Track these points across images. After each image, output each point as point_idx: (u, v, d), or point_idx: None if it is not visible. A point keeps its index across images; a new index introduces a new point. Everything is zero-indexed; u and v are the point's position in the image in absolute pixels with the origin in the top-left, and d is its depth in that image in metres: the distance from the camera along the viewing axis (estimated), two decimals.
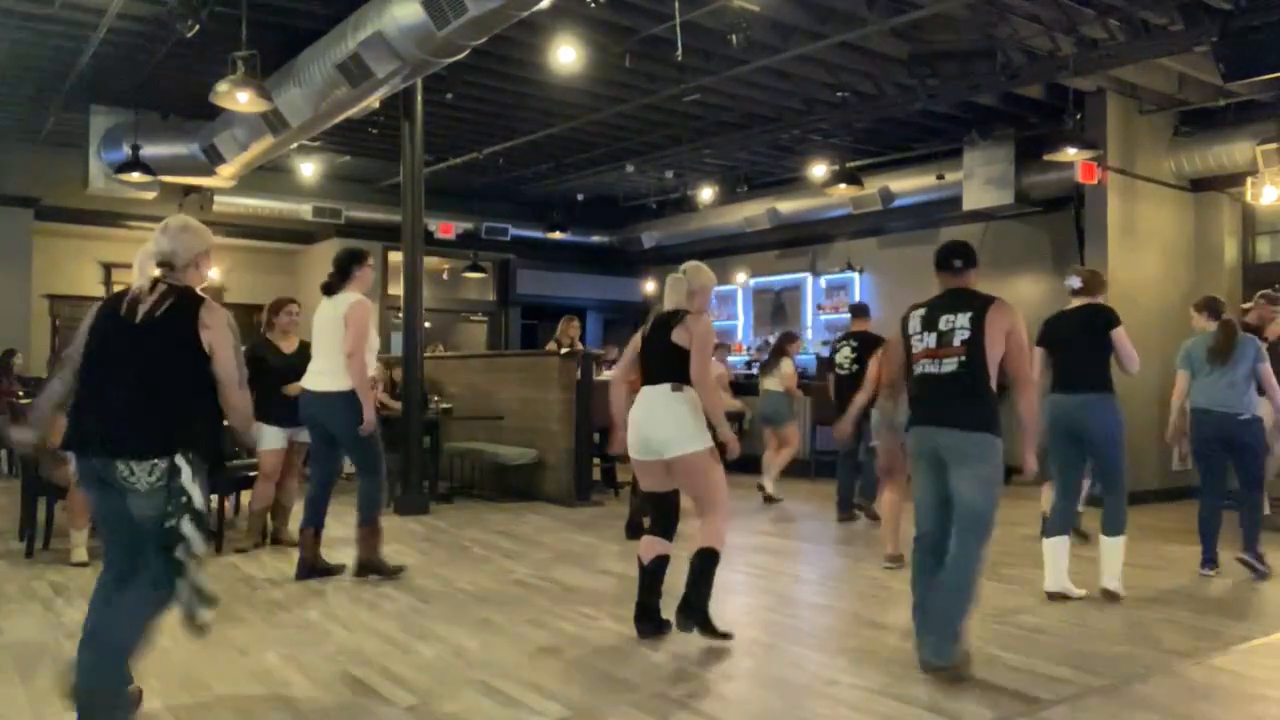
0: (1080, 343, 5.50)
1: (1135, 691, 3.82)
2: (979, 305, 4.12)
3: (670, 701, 3.64)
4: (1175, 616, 5.07)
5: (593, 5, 7.26)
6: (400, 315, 9.89)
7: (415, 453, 8.35)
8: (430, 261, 12.49)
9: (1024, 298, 11.57)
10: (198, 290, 3.45)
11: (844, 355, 8.29)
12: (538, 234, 15.01)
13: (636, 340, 4.77)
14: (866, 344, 7.98)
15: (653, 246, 16.14)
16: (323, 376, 5.64)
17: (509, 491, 9.29)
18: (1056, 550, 5.39)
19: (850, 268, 13.75)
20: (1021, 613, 5.04)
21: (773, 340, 11.03)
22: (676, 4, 7.21)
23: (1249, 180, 9.18)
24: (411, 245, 8.58)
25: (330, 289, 5.75)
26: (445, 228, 13.98)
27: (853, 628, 4.81)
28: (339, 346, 5.54)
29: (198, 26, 6.93)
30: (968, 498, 4.00)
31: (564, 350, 9.32)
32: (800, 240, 14.36)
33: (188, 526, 3.21)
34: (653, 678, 3.96)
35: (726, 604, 5.28)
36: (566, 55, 8.09)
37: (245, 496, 7.08)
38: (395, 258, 13.57)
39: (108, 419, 3.21)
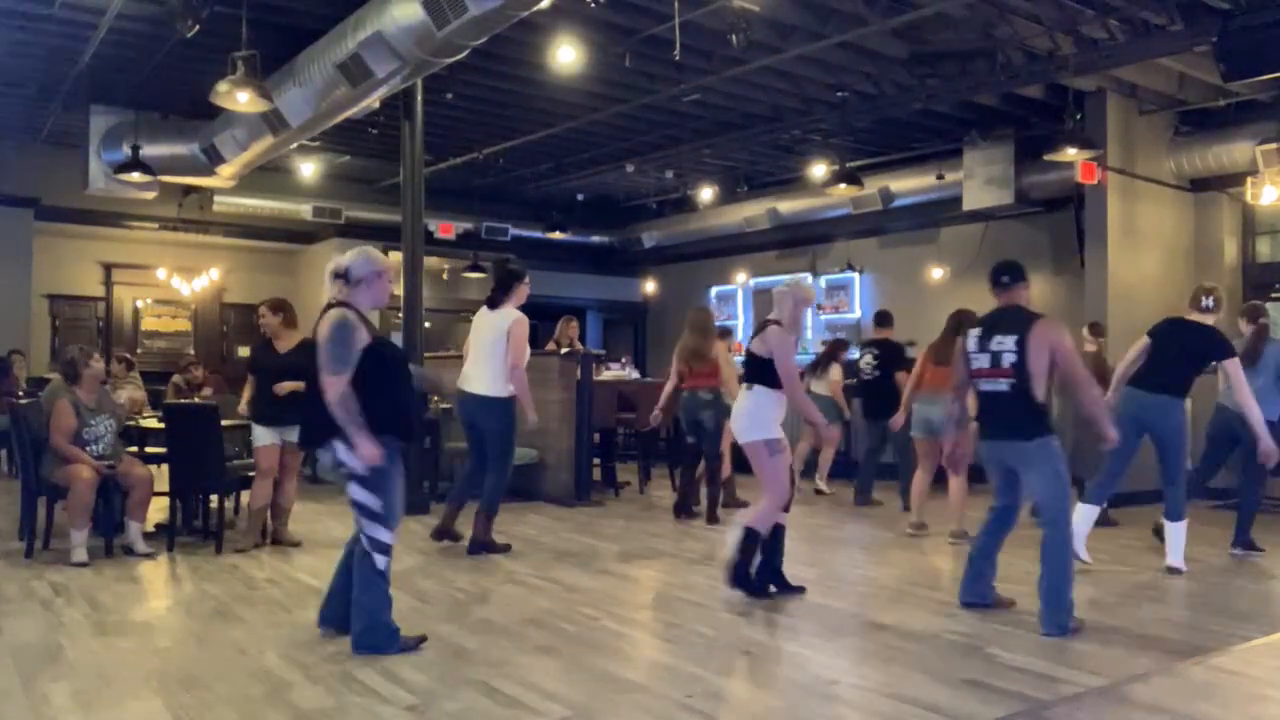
0: (1177, 354, 6.03)
1: (1135, 691, 3.82)
2: (1023, 327, 4.72)
3: (670, 701, 3.64)
4: (1175, 616, 5.07)
5: (593, 5, 7.26)
6: (400, 315, 9.88)
7: (415, 453, 8.35)
8: (430, 261, 12.46)
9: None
10: (357, 305, 4.23)
11: (866, 362, 8.93)
12: (538, 234, 15.01)
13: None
14: (888, 351, 8.79)
15: (653, 246, 16.13)
16: (478, 382, 6.32)
17: (509, 491, 9.23)
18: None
19: (850, 268, 13.74)
20: (1021, 612, 5.03)
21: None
22: (676, 4, 7.21)
23: (1249, 180, 9.18)
24: (411, 245, 8.58)
25: (493, 302, 6.49)
26: (445, 228, 13.97)
27: (853, 627, 4.81)
28: (497, 356, 6.25)
29: (198, 26, 6.92)
30: (1042, 495, 4.77)
31: (564, 350, 9.32)
32: (800, 240, 14.35)
33: (356, 491, 4.15)
34: (653, 678, 3.96)
35: (727, 603, 5.29)
36: (566, 55, 8.09)
37: (245, 497, 7.07)
38: (395, 258, 13.57)
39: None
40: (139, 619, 4.83)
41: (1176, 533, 6.09)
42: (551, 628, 4.67)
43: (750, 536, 5.25)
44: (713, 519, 7.90)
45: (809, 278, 5.79)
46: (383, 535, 4.21)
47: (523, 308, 6.52)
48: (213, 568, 5.97)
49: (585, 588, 5.55)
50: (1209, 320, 6.17)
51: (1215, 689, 3.92)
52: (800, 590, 5.40)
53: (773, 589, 5.34)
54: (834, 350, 9.91)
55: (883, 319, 9.25)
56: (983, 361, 4.82)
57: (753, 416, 5.30)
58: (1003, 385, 4.72)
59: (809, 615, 5.00)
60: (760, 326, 5.46)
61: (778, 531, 5.38)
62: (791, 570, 5.62)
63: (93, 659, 4.12)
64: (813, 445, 9.94)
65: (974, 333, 4.96)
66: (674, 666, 4.13)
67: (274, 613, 4.93)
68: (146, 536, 6.38)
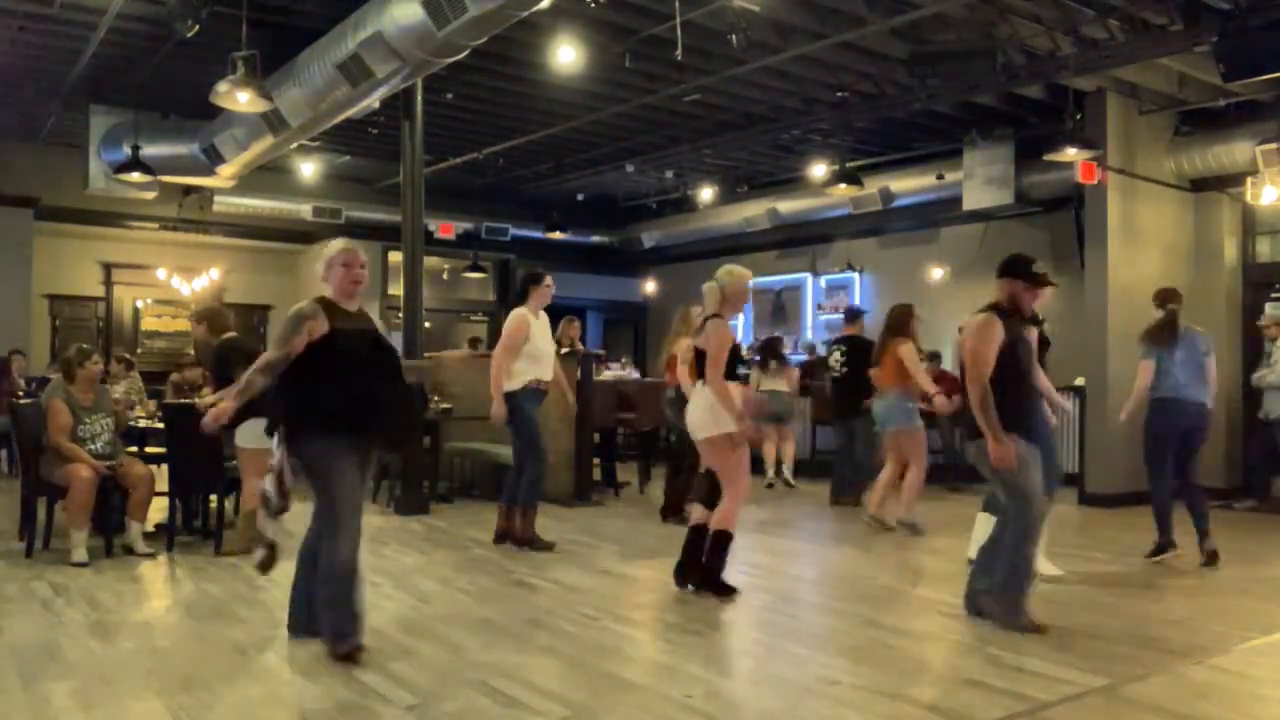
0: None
1: (1135, 691, 3.82)
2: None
3: (670, 701, 3.64)
4: (1175, 616, 5.07)
5: (593, 5, 7.27)
6: (400, 315, 9.88)
7: (415, 453, 8.34)
8: (430, 261, 12.49)
9: None
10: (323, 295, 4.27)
11: (835, 359, 8.92)
12: (538, 234, 15.02)
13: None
14: (855, 348, 8.68)
15: (653, 246, 16.14)
16: None
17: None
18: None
19: (850, 268, 13.75)
20: None
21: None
22: (676, 4, 7.21)
23: (1249, 180, 9.17)
24: (411, 245, 8.58)
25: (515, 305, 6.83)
26: (445, 228, 13.98)
27: (853, 628, 4.81)
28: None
29: (198, 26, 6.93)
30: None
31: (564, 350, 9.31)
32: (800, 240, 14.36)
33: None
34: (653, 678, 3.96)
35: (727, 604, 5.28)
36: (566, 55, 8.09)
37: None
38: (395, 258, 13.58)
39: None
40: (139, 619, 4.83)
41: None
42: (551, 628, 4.66)
43: (723, 538, 5.21)
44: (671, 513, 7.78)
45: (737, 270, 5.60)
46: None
47: None
48: (213, 568, 5.96)
49: (585, 588, 5.55)
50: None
51: (1215, 689, 3.92)
52: (734, 591, 5.25)
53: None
54: (771, 347, 10.21)
55: (852, 315, 9.31)
56: None
57: (709, 411, 5.14)
58: None
59: (809, 615, 5.00)
60: (701, 324, 5.36)
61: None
62: (794, 570, 5.62)
63: (93, 659, 4.12)
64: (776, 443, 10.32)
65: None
66: (674, 666, 4.12)
67: (274, 613, 4.92)
68: (146, 536, 6.38)
